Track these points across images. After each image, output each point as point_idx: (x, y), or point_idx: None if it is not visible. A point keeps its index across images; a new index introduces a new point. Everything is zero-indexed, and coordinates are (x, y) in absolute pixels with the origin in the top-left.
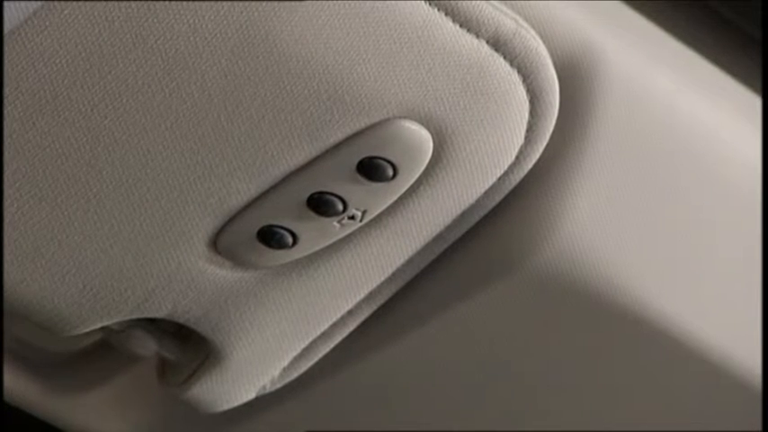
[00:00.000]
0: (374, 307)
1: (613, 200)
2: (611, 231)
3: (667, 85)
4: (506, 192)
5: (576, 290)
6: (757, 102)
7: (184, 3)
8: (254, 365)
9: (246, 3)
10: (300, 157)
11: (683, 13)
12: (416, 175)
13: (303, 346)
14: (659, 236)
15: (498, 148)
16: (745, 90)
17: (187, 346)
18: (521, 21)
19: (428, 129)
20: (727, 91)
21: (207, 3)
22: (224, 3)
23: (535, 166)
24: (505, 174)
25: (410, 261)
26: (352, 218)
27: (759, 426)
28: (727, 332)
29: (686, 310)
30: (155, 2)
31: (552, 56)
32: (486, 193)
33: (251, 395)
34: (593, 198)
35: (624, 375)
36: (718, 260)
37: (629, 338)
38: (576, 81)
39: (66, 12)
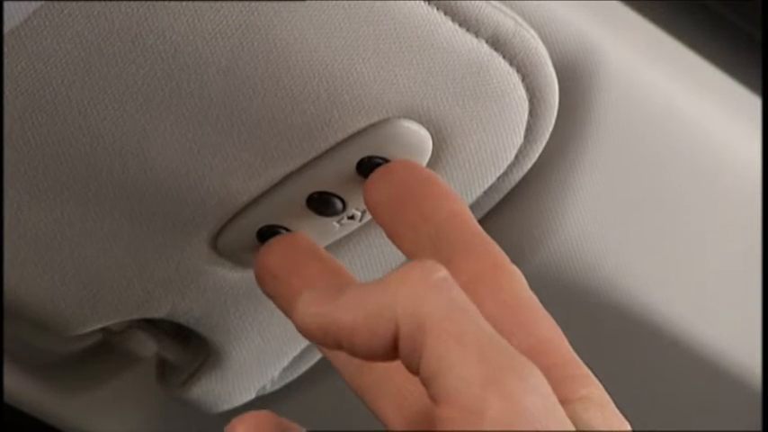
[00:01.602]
0: None
1: (613, 199)
2: (611, 231)
3: (667, 84)
4: (505, 191)
5: (575, 289)
6: (757, 102)
7: (183, 2)
8: (254, 366)
9: (246, 2)
10: (300, 157)
11: (683, 14)
12: None
13: (303, 346)
14: (659, 235)
15: (498, 147)
16: (745, 90)
17: (187, 346)
18: (520, 20)
19: (427, 128)
20: (726, 91)
21: (206, 2)
22: (223, 2)
23: (534, 165)
24: (505, 173)
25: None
26: (352, 218)
27: (759, 426)
28: (727, 331)
29: (686, 310)
30: (154, 1)
31: (552, 56)
32: (486, 193)
33: (251, 396)
34: (592, 198)
35: (623, 374)
36: (718, 259)
37: (628, 337)
38: (576, 81)
39: (65, 11)
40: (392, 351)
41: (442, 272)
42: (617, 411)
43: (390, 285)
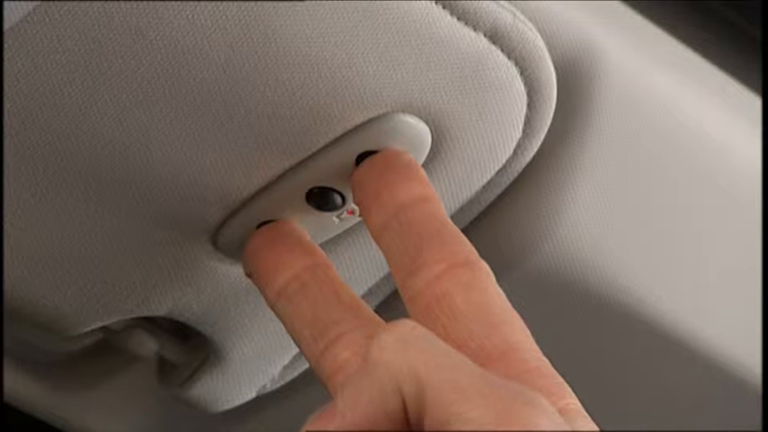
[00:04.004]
0: (373, 304)
1: (613, 198)
2: (611, 230)
3: (667, 84)
4: (504, 186)
5: (574, 288)
6: (757, 102)
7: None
8: (255, 364)
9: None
10: (299, 152)
11: (683, 13)
12: None
13: None
14: (659, 234)
15: (496, 141)
16: (745, 90)
17: (187, 345)
18: (518, 14)
19: (426, 122)
20: (727, 91)
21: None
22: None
23: (534, 163)
24: (503, 168)
25: None
26: (352, 213)
27: (759, 426)
28: (727, 331)
29: (686, 309)
30: (155, 1)
31: (552, 54)
32: (485, 188)
33: (251, 395)
34: (592, 196)
35: (623, 374)
36: (717, 258)
37: (627, 336)
38: (576, 79)
39: (65, 7)
40: (407, 422)
41: (410, 323)
42: (591, 421)
43: (374, 361)
